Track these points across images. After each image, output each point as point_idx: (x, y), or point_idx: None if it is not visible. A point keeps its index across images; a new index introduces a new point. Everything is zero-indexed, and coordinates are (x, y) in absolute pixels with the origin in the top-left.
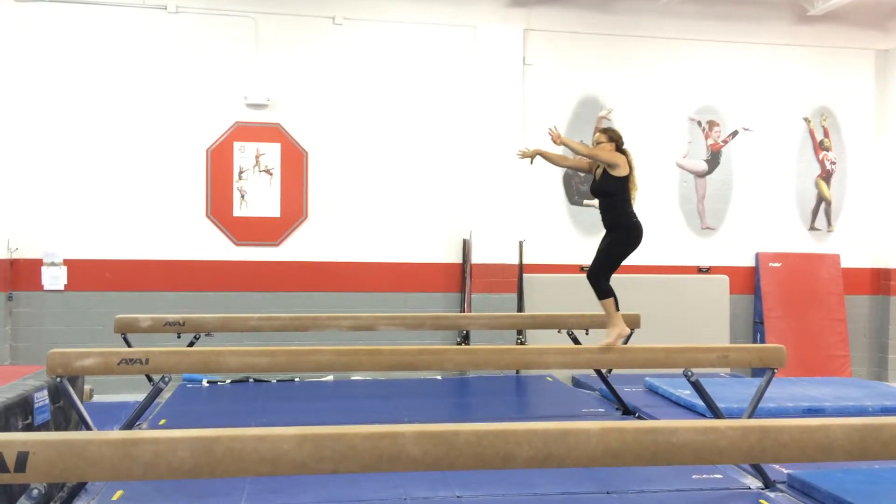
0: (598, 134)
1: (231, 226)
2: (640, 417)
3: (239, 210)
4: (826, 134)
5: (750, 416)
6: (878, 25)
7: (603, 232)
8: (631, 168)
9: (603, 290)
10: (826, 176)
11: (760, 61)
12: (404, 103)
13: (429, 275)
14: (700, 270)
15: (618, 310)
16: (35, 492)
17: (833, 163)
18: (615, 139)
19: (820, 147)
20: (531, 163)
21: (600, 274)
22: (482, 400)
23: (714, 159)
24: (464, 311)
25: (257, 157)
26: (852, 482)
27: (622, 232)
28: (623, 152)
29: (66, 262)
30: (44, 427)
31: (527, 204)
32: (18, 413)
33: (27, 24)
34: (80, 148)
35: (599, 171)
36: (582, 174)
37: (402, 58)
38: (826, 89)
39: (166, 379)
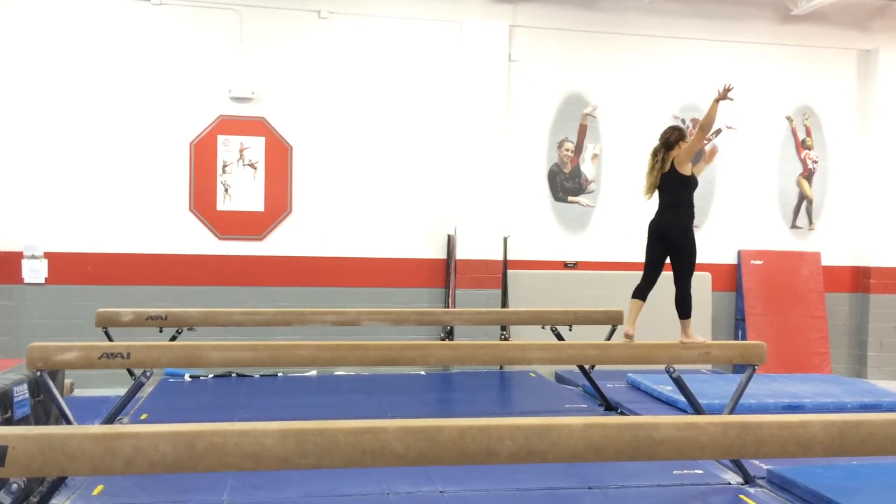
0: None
1: (214, 220)
2: (622, 413)
3: (222, 204)
4: (808, 133)
5: (731, 413)
6: (860, 25)
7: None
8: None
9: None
10: (808, 174)
11: (744, 60)
12: (390, 99)
13: (413, 270)
14: None
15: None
16: (14, 486)
17: (815, 161)
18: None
19: (802, 146)
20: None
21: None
22: (466, 395)
23: (697, 157)
24: (448, 307)
25: (241, 150)
26: (831, 478)
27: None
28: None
29: (46, 255)
30: (24, 421)
31: (511, 200)
32: None
33: (7, 15)
34: (61, 140)
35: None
36: (566, 171)
37: (387, 53)
38: (809, 89)
39: (148, 373)
